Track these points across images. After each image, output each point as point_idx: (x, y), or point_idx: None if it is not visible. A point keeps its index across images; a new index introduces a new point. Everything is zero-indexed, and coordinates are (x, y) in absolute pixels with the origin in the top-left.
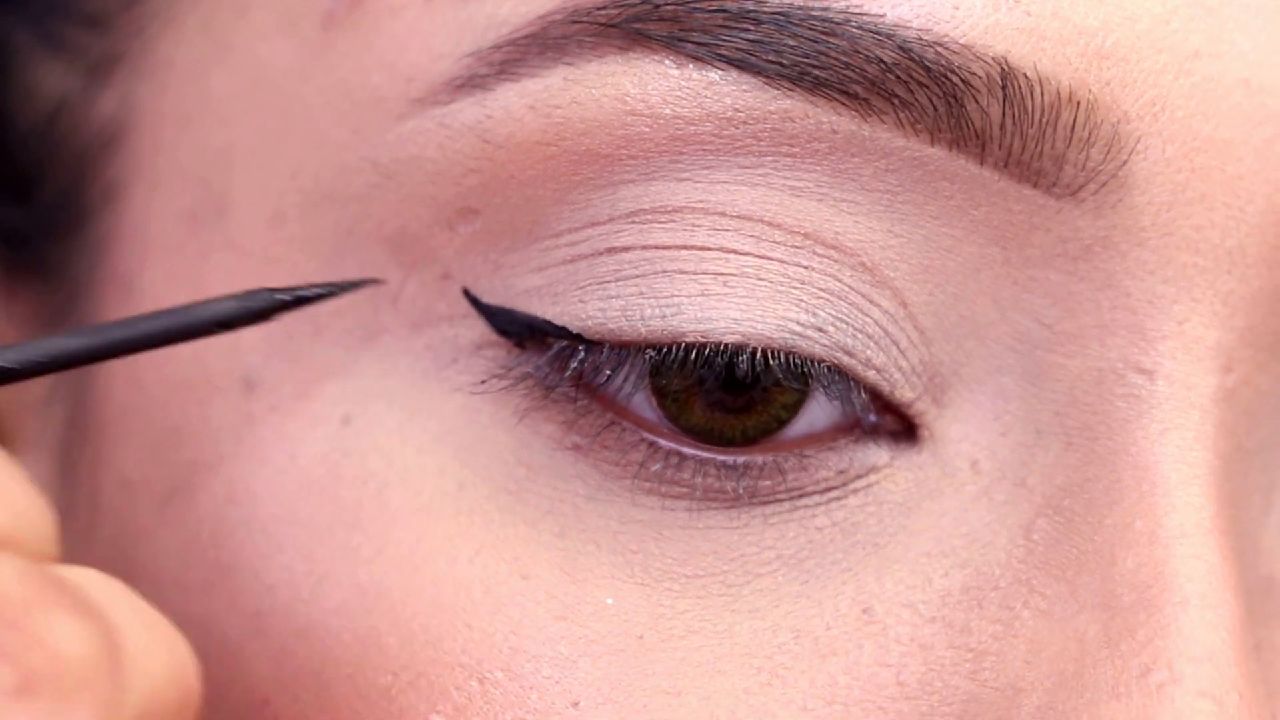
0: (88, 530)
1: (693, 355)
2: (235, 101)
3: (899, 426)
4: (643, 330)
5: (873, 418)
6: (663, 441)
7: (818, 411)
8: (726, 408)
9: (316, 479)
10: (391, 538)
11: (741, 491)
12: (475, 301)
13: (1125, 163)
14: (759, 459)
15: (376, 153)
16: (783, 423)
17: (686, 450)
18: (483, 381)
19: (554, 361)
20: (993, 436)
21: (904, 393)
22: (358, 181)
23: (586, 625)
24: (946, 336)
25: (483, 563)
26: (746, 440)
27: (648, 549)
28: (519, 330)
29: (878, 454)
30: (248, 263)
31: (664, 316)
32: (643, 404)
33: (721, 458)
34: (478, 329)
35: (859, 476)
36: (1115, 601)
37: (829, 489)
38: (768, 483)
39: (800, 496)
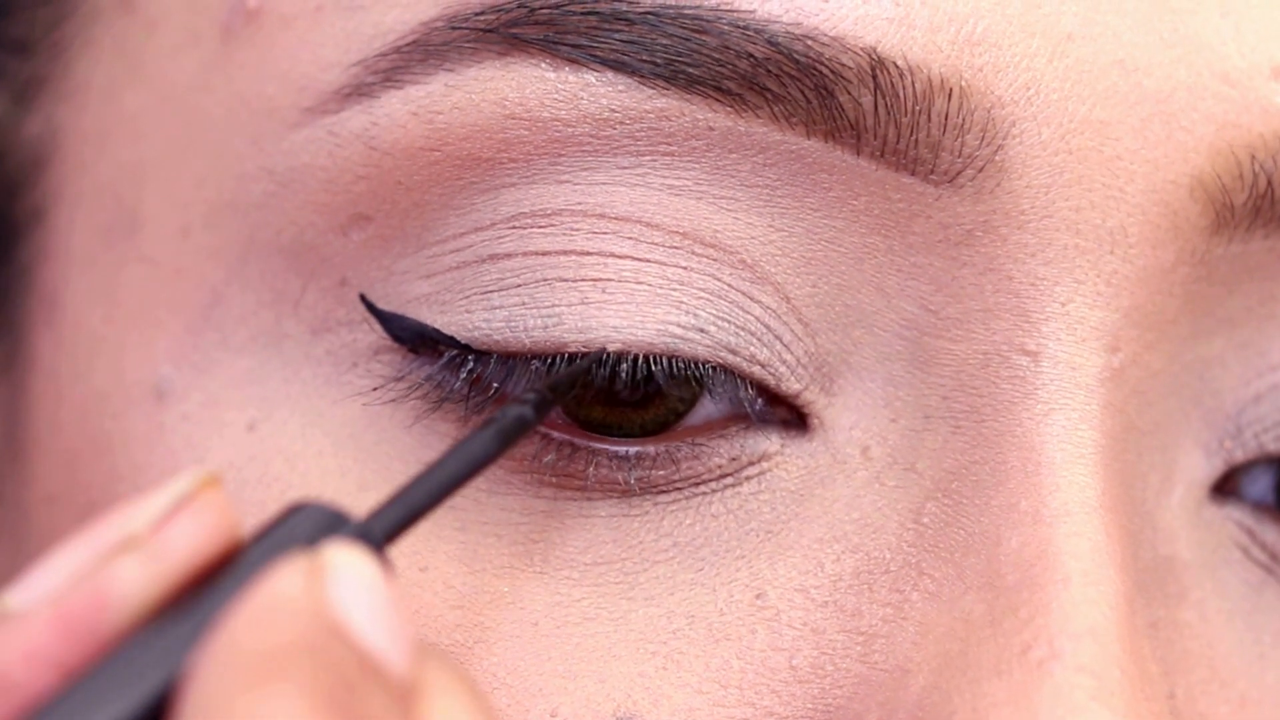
0: (16, 549)
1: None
2: (146, 117)
3: (789, 416)
4: (526, 341)
5: (760, 407)
6: (555, 434)
7: (711, 405)
8: (624, 402)
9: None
10: None
11: (634, 482)
12: (370, 306)
13: (1001, 147)
14: (652, 449)
15: (273, 161)
16: (680, 415)
17: (579, 442)
18: (376, 388)
19: (446, 369)
20: (883, 423)
21: (790, 385)
22: (256, 190)
23: (482, 613)
24: (832, 327)
25: None
26: (645, 433)
27: (548, 539)
28: (411, 337)
29: (768, 442)
30: (159, 274)
31: (546, 327)
32: None
33: (614, 448)
34: (374, 334)
35: (751, 464)
36: (1000, 581)
37: (722, 475)
38: (661, 472)
39: (695, 484)
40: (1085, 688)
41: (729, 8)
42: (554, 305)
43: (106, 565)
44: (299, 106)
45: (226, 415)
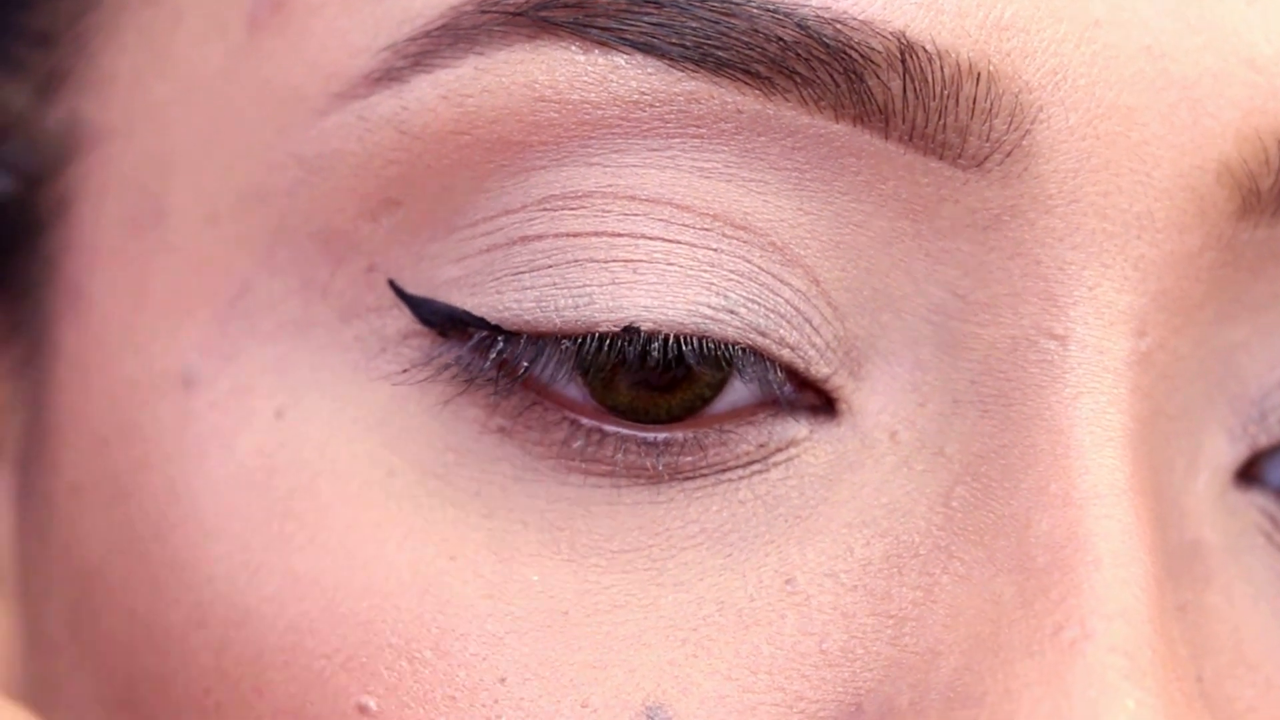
0: (42, 537)
1: (607, 344)
2: (172, 108)
3: (818, 401)
4: (557, 321)
5: (789, 392)
6: (584, 420)
7: (740, 389)
8: (652, 386)
9: (252, 472)
10: (323, 525)
11: (662, 468)
12: (399, 291)
13: (1028, 132)
14: (680, 435)
15: (301, 149)
16: (707, 400)
17: (608, 428)
18: (404, 370)
19: (475, 351)
20: (911, 407)
21: (820, 368)
22: (285, 178)
23: (513, 602)
24: (861, 310)
25: (411, 546)
26: (672, 418)
27: (575, 526)
28: (441, 320)
29: (796, 428)
30: (186, 263)
31: (577, 307)
32: (567, 384)
33: (642, 434)
34: (403, 319)
35: (779, 450)
36: (1030, 563)
37: (750, 462)
38: (689, 459)
39: (722, 471)
40: (1118, 668)
41: None
42: (585, 285)
43: None
44: (328, 93)
45: (255, 403)
